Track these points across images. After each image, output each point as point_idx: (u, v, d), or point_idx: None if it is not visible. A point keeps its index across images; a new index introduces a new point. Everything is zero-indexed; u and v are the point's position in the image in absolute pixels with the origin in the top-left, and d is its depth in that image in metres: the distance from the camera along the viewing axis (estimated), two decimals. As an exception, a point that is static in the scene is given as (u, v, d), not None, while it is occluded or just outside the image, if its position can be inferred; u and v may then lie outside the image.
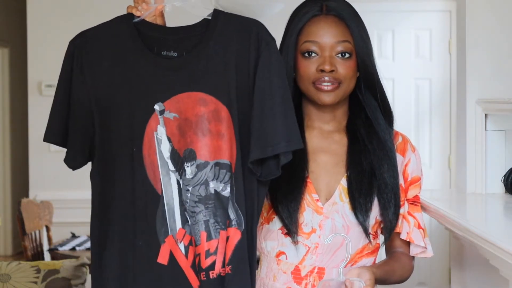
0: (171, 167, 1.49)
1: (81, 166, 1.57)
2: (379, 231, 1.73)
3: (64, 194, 5.02)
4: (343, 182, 1.68)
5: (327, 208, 1.66)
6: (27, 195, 5.28)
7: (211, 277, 1.49)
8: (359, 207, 1.65)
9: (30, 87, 5.32)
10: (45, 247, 4.58)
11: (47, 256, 4.46)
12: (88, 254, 3.93)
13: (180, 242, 1.48)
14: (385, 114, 1.74)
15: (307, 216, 1.65)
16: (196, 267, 1.49)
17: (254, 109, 1.50)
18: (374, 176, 1.67)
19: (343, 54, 1.66)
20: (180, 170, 1.49)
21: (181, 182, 1.49)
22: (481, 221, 2.38)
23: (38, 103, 5.25)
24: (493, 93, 2.77)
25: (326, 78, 1.65)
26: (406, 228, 1.72)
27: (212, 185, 1.49)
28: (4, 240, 7.66)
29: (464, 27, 2.80)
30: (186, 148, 1.49)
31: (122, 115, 1.50)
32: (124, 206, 1.50)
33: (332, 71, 1.65)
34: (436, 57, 5.24)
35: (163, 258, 1.48)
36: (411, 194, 1.74)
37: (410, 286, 4.82)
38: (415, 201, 1.75)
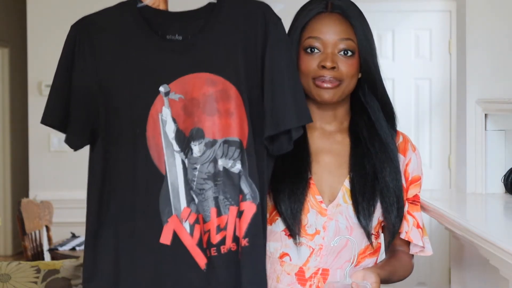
0: (176, 147, 1.50)
1: (81, 147, 1.57)
2: (380, 230, 1.73)
3: (64, 194, 5.02)
4: (346, 183, 1.68)
5: (331, 210, 1.66)
6: (27, 195, 5.27)
7: (222, 252, 1.50)
8: (362, 211, 1.65)
9: (30, 87, 5.32)
10: (45, 247, 4.58)
11: (47, 256, 4.46)
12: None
13: (185, 221, 1.48)
14: (387, 116, 1.74)
15: (311, 218, 1.65)
16: (204, 244, 1.49)
17: (265, 87, 1.52)
18: (376, 180, 1.67)
19: (345, 52, 1.66)
20: (185, 149, 1.50)
21: (186, 161, 1.49)
22: (481, 221, 2.38)
23: (38, 103, 5.25)
24: (493, 93, 2.77)
25: (327, 78, 1.65)
26: (405, 228, 1.73)
27: (221, 162, 1.51)
28: (4, 240, 7.66)
29: (464, 27, 2.80)
30: (193, 128, 1.50)
31: (126, 98, 1.50)
32: (124, 187, 1.50)
33: (334, 68, 1.64)
34: (436, 57, 5.24)
35: (165, 238, 1.48)
36: (411, 193, 1.74)
37: (410, 286, 4.82)
38: (414, 200, 1.75)
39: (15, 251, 7.64)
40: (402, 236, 1.73)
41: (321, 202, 1.66)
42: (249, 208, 1.51)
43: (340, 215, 1.66)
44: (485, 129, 2.76)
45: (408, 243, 1.76)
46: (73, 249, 4.30)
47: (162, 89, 1.50)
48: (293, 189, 1.63)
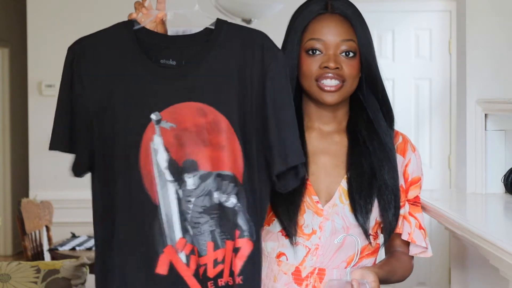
0: (169, 177, 1.47)
1: (85, 174, 1.56)
2: (379, 232, 1.73)
3: (64, 194, 5.02)
4: (343, 183, 1.67)
5: (327, 210, 1.65)
6: (27, 195, 5.28)
7: (219, 284, 1.49)
8: (359, 209, 1.64)
9: (30, 87, 5.32)
10: (45, 247, 4.58)
11: (47, 256, 4.46)
12: (88, 254, 3.93)
13: (181, 251, 1.47)
14: (386, 115, 1.73)
15: (308, 218, 1.65)
16: (200, 276, 1.47)
17: (269, 122, 1.50)
18: (374, 178, 1.67)
19: (347, 53, 1.65)
20: (179, 180, 1.47)
21: (180, 192, 1.47)
22: (481, 221, 2.38)
23: (38, 103, 5.25)
24: (493, 93, 2.77)
25: (330, 74, 1.63)
26: (407, 229, 1.72)
27: (216, 196, 1.48)
28: (4, 240, 7.66)
29: (464, 27, 2.80)
30: (186, 159, 1.48)
31: (119, 124, 1.48)
32: (123, 217, 1.48)
33: (337, 68, 1.64)
34: (436, 57, 5.24)
35: (162, 269, 1.46)
36: (411, 194, 1.74)
37: (410, 286, 4.83)
38: (416, 201, 1.75)
39: (15, 251, 7.64)
40: (405, 237, 1.72)
41: (317, 202, 1.65)
42: (246, 245, 1.50)
43: (336, 215, 1.65)
44: (485, 129, 2.76)
45: (408, 243, 1.76)
46: (73, 249, 4.29)
47: (153, 116, 1.47)
48: (290, 191, 1.60)
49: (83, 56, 1.51)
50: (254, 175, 1.50)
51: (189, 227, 1.47)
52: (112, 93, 1.49)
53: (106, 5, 5.15)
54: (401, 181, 1.72)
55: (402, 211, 1.72)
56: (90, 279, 2.89)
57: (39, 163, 5.20)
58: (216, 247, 1.48)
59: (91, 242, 4.34)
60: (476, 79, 2.78)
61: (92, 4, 5.23)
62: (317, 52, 1.65)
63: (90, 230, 4.71)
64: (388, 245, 1.76)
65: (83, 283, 2.70)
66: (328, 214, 1.65)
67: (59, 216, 4.84)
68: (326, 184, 1.68)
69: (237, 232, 1.49)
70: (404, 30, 5.23)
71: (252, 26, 4.25)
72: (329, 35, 1.65)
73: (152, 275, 1.46)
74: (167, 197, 1.47)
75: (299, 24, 1.68)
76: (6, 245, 7.67)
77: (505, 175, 2.71)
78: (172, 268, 1.46)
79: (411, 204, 1.74)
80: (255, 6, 4.19)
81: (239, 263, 1.49)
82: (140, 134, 1.47)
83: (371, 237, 1.68)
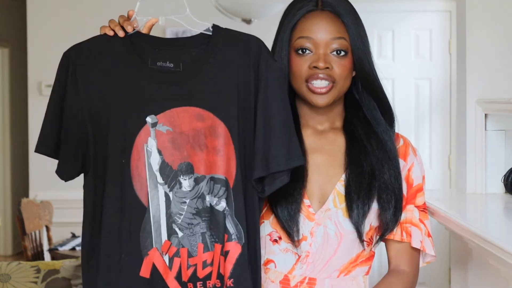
0: (160, 179, 1.48)
1: (72, 178, 1.56)
2: (374, 239, 1.65)
3: (64, 194, 5.02)
4: (338, 187, 1.61)
5: (319, 214, 1.59)
6: (27, 195, 5.28)
7: (208, 286, 1.49)
8: (356, 210, 1.58)
9: (30, 87, 5.32)
10: (45, 247, 4.58)
11: (47, 256, 4.46)
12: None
13: (165, 254, 1.47)
14: (385, 114, 1.67)
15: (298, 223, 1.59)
16: (185, 277, 1.48)
17: (257, 128, 1.51)
18: (374, 179, 1.60)
19: (338, 51, 1.59)
20: (171, 183, 1.49)
21: (170, 194, 1.48)
22: (481, 221, 2.38)
23: (38, 103, 5.25)
24: (493, 93, 2.77)
25: (321, 75, 1.57)
26: (419, 236, 1.65)
27: (208, 199, 1.49)
28: (4, 240, 7.66)
29: (464, 27, 2.80)
30: (182, 162, 1.49)
31: (114, 127, 1.49)
32: (111, 218, 1.49)
33: (327, 68, 1.57)
34: (436, 57, 5.24)
35: (145, 271, 1.47)
36: (420, 201, 1.67)
37: (410, 286, 4.82)
38: (424, 208, 1.68)
39: (15, 251, 7.64)
40: (417, 245, 1.65)
41: (309, 206, 1.60)
42: (234, 248, 1.50)
43: (329, 220, 1.59)
44: (485, 129, 2.76)
45: (409, 257, 1.68)
46: (73, 249, 4.30)
47: (149, 119, 1.48)
48: (289, 190, 1.57)
49: (79, 61, 1.52)
50: (246, 180, 1.51)
51: (177, 229, 1.48)
52: (107, 97, 1.50)
53: (106, 5, 5.15)
54: (403, 186, 1.65)
55: (409, 215, 1.65)
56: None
57: (39, 163, 5.20)
58: (205, 249, 1.49)
59: (91, 242, 4.33)
60: (476, 79, 2.78)
61: (92, 4, 5.23)
62: (307, 52, 1.59)
63: (90, 230, 4.69)
64: (390, 259, 1.69)
65: (83, 283, 2.70)
66: (320, 219, 1.59)
67: (59, 216, 4.84)
68: (319, 185, 1.62)
69: (226, 236, 1.50)
70: (404, 30, 5.23)
71: (252, 26, 4.27)
72: (319, 33, 1.59)
73: (136, 278, 1.47)
74: (156, 199, 1.48)
75: (288, 22, 1.63)
76: (6, 245, 7.67)
77: (505, 175, 2.71)
78: (154, 270, 1.47)
79: (421, 210, 1.67)
80: (255, 6, 4.19)
81: (229, 266, 1.49)
82: (133, 136, 1.48)
83: (365, 243, 1.62)
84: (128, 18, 1.55)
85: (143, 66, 1.51)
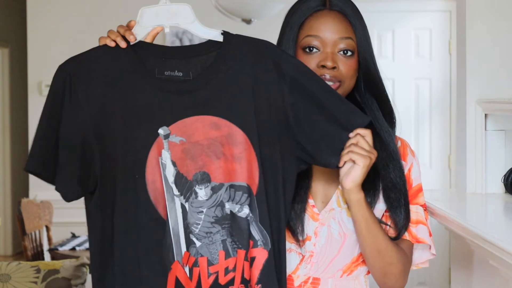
0: (175, 191, 1.45)
1: (76, 199, 1.48)
2: None
3: (64, 194, 5.02)
4: (341, 187, 1.60)
5: (323, 214, 1.60)
6: (27, 195, 5.28)
7: None
8: None
9: (30, 87, 5.32)
10: (45, 247, 4.58)
11: (47, 256, 4.47)
12: (88, 254, 3.93)
13: (186, 265, 1.45)
14: (386, 116, 1.67)
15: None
16: (205, 286, 1.46)
17: (314, 119, 1.49)
18: (378, 179, 1.61)
19: (345, 51, 1.59)
20: (186, 193, 1.45)
21: (187, 205, 1.45)
22: (481, 221, 2.38)
23: (38, 103, 5.25)
24: (493, 93, 2.77)
25: (327, 76, 1.58)
26: (426, 234, 1.64)
27: (228, 206, 1.46)
28: (4, 240, 7.67)
29: (464, 27, 2.80)
30: (197, 171, 1.45)
31: (123, 142, 1.44)
32: (126, 236, 1.45)
33: (334, 68, 1.58)
34: (436, 57, 5.24)
35: (170, 286, 1.44)
36: (422, 200, 1.67)
37: (410, 286, 4.82)
38: (426, 207, 1.68)
39: (15, 251, 7.65)
40: (429, 241, 1.64)
41: (313, 206, 1.60)
42: (261, 254, 1.47)
43: (333, 220, 1.59)
44: (485, 129, 2.76)
45: (408, 247, 1.66)
46: (73, 249, 4.30)
47: (161, 131, 1.43)
48: (296, 189, 1.55)
49: (78, 74, 1.45)
50: (269, 186, 1.49)
51: (194, 239, 1.46)
52: (113, 110, 1.44)
53: (106, 6, 5.15)
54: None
55: (414, 216, 1.64)
56: (90, 279, 2.89)
57: (39, 163, 5.20)
58: (227, 255, 1.46)
59: (91, 242, 4.34)
60: (476, 79, 2.78)
61: (92, 5, 5.23)
62: (314, 50, 1.59)
63: (90, 230, 4.69)
64: None
65: (83, 283, 2.70)
66: (324, 219, 1.60)
67: (59, 216, 4.85)
68: (322, 185, 1.62)
69: (251, 243, 1.48)
70: (404, 30, 5.24)
71: (252, 26, 4.27)
72: (327, 32, 1.59)
73: None
74: (174, 212, 1.45)
75: (295, 20, 1.62)
76: (6, 245, 7.67)
77: (505, 175, 2.71)
78: (178, 283, 1.45)
79: (425, 209, 1.67)
80: (255, 6, 4.19)
81: (255, 272, 1.47)
82: (146, 150, 1.44)
83: None
84: (129, 28, 1.50)
85: (150, 77, 1.46)
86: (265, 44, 1.52)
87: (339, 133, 1.50)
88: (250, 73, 1.48)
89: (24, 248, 4.27)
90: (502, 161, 2.75)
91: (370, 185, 1.60)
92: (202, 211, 1.46)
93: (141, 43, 1.49)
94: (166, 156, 1.44)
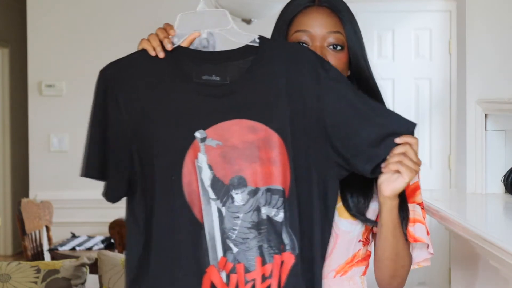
0: (212, 195, 1.45)
1: (119, 199, 1.53)
2: (370, 238, 1.65)
3: (64, 194, 5.02)
4: None
5: None
6: (27, 195, 5.28)
7: None
8: (354, 209, 1.58)
9: (30, 87, 5.32)
10: (45, 247, 4.58)
11: (47, 256, 4.47)
12: (88, 254, 3.93)
13: (222, 271, 1.45)
14: None
15: None
16: None
17: (353, 124, 1.49)
18: (373, 178, 1.56)
19: (334, 46, 1.60)
20: (223, 198, 1.46)
21: (223, 210, 1.45)
22: (481, 221, 2.38)
23: (38, 103, 5.25)
24: (493, 93, 2.77)
25: None
26: (424, 232, 1.63)
27: (264, 211, 1.46)
28: (4, 240, 7.67)
29: (464, 27, 2.80)
30: (234, 176, 1.46)
31: (161, 144, 1.46)
32: (164, 238, 1.46)
33: None
34: (436, 57, 5.24)
35: None
36: (419, 199, 1.67)
37: (410, 286, 4.82)
38: (423, 206, 1.67)
39: (15, 251, 7.65)
40: (426, 240, 1.63)
41: None
42: (289, 259, 1.47)
43: None
44: (485, 129, 2.76)
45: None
46: (73, 249, 4.30)
47: (198, 134, 1.45)
48: None
49: (118, 80, 1.48)
50: (300, 189, 1.49)
51: (231, 245, 1.46)
52: (152, 113, 1.47)
53: (106, 6, 5.15)
54: None
55: (411, 215, 1.63)
56: (90, 279, 2.89)
57: (39, 163, 5.20)
58: (264, 262, 1.46)
59: (91, 242, 4.34)
60: (476, 79, 2.79)
61: (92, 4, 5.23)
62: (304, 45, 1.60)
63: (90, 230, 4.70)
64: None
65: (83, 283, 2.71)
66: None
67: (59, 216, 4.84)
68: None
69: (282, 247, 1.48)
70: (404, 30, 5.23)
71: (252, 26, 4.27)
72: (316, 27, 1.60)
73: None
74: (210, 215, 1.45)
75: (286, 17, 1.64)
76: (6, 245, 7.67)
77: (505, 175, 2.71)
78: None
79: (422, 208, 1.66)
80: (255, 6, 4.19)
81: (284, 277, 1.47)
82: (183, 152, 1.45)
83: (361, 243, 1.61)
84: (168, 34, 1.52)
85: (188, 81, 1.48)
86: (301, 48, 1.54)
87: (381, 139, 1.48)
88: (286, 78, 1.49)
89: (24, 248, 4.28)
90: (502, 161, 2.75)
91: (358, 182, 1.58)
92: (239, 217, 1.46)
93: (178, 48, 1.51)
94: (202, 159, 1.46)
